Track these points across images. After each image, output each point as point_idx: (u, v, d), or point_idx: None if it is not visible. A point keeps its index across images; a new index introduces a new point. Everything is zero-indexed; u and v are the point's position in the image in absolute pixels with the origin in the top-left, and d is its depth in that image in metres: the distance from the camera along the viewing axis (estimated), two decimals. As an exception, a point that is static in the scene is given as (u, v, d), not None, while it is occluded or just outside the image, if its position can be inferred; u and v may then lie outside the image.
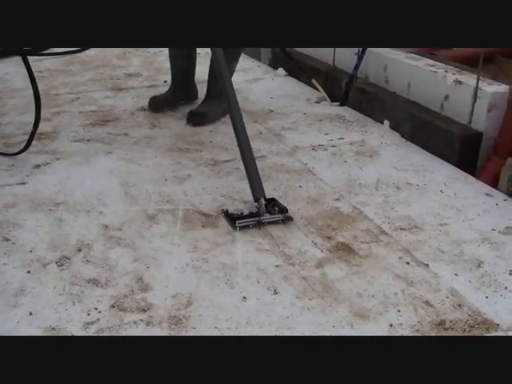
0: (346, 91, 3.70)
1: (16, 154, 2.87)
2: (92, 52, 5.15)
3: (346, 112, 3.60)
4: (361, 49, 3.65)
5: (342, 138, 3.18)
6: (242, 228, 2.27)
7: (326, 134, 3.24)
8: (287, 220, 2.32)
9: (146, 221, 2.32)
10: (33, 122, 3.30)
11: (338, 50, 3.89)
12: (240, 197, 2.51)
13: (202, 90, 3.58)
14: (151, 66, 4.56)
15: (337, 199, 2.52)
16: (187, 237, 2.21)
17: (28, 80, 4.10)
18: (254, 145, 3.02)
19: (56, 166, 2.80)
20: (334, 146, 3.06)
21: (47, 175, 2.70)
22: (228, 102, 2.66)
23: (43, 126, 3.20)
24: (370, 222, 2.34)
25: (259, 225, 2.29)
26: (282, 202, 2.45)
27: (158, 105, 3.54)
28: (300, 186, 2.62)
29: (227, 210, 2.37)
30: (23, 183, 2.62)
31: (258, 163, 2.77)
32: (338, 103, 3.73)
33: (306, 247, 2.16)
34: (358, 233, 2.27)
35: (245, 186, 2.57)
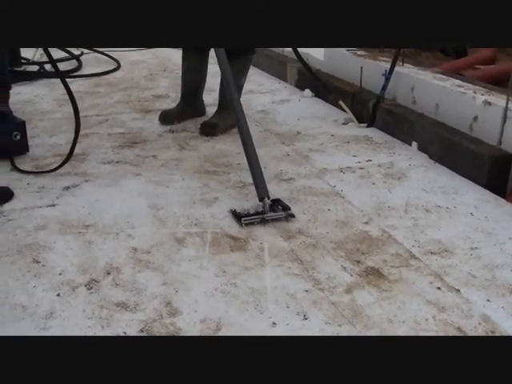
0: (374, 112, 3.69)
1: (52, 170, 2.96)
2: (119, 74, 5.22)
3: (374, 133, 3.59)
4: (388, 70, 3.64)
5: (370, 160, 3.16)
6: (248, 225, 2.45)
7: (354, 155, 3.23)
8: (289, 217, 2.49)
9: (174, 244, 2.32)
10: (62, 143, 3.37)
11: (365, 71, 3.89)
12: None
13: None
14: (179, 87, 4.54)
15: (366, 222, 2.50)
16: (216, 261, 2.21)
17: (56, 103, 4.19)
18: (282, 167, 3.04)
19: (85, 187, 2.82)
20: (362, 168, 3.05)
21: (77, 197, 2.72)
22: (230, 98, 2.93)
23: (72, 149, 3.24)
24: (399, 246, 2.31)
25: (263, 222, 2.47)
26: (310, 225, 2.44)
27: (167, 118, 3.77)
28: (329, 209, 2.60)
29: (235, 210, 2.53)
30: (53, 205, 2.64)
31: (287, 186, 2.80)
32: (365, 124, 3.72)
33: (335, 272, 2.14)
34: (387, 257, 2.24)
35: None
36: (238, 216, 2.49)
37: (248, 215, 2.48)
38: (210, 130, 3.57)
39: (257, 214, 2.49)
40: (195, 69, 3.80)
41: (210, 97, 4.07)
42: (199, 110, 3.92)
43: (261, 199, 2.54)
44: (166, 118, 3.77)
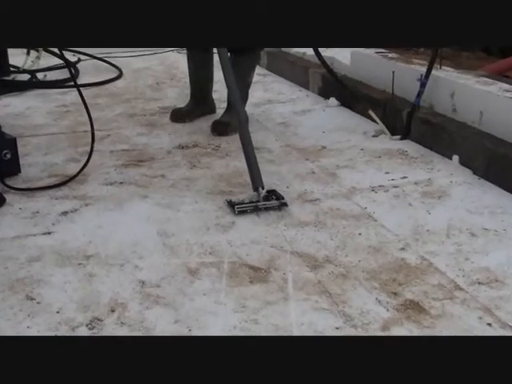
0: (408, 123, 3.69)
1: (64, 183, 3.07)
2: (122, 83, 5.27)
3: (409, 146, 3.58)
4: (423, 74, 3.63)
5: (405, 177, 3.15)
6: (241, 213, 2.74)
7: (387, 172, 3.22)
8: (282, 206, 2.80)
9: (187, 276, 2.31)
10: (58, 162, 3.40)
11: (397, 76, 3.88)
12: (292, 247, 2.49)
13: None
14: (188, 98, 4.60)
15: (402, 249, 2.48)
16: (234, 294, 2.20)
17: (50, 116, 4.24)
18: (307, 186, 3.05)
19: (85, 212, 2.83)
20: (396, 187, 3.04)
21: (76, 223, 2.73)
22: (230, 92, 3.31)
23: (70, 168, 3.26)
24: (441, 276, 2.30)
25: (256, 210, 2.77)
26: (339, 252, 2.44)
27: (178, 116, 4.17)
28: (359, 234, 2.59)
29: (231, 200, 2.83)
30: (49, 233, 2.65)
31: (312, 207, 2.80)
32: (398, 137, 3.71)
33: (369, 306, 2.13)
34: (428, 288, 2.22)
35: (296, 235, 2.58)
36: (231, 205, 2.78)
37: (242, 203, 2.78)
38: (222, 129, 3.88)
39: (251, 202, 2.79)
40: (201, 68, 4.19)
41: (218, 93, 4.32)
42: (209, 107, 4.32)
43: (255, 189, 2.82)
44: (177, 116, 4.17)
